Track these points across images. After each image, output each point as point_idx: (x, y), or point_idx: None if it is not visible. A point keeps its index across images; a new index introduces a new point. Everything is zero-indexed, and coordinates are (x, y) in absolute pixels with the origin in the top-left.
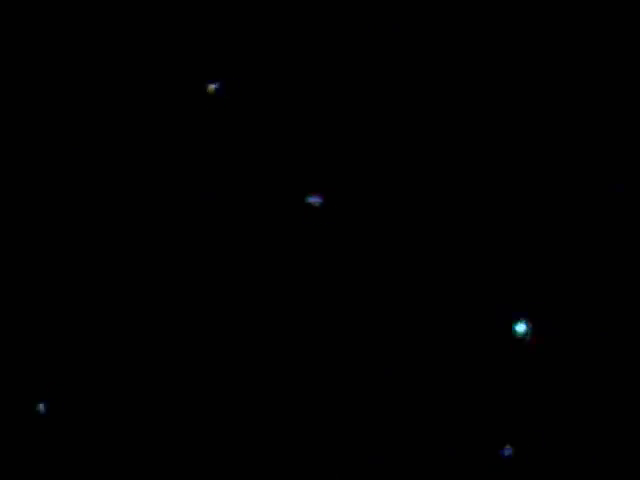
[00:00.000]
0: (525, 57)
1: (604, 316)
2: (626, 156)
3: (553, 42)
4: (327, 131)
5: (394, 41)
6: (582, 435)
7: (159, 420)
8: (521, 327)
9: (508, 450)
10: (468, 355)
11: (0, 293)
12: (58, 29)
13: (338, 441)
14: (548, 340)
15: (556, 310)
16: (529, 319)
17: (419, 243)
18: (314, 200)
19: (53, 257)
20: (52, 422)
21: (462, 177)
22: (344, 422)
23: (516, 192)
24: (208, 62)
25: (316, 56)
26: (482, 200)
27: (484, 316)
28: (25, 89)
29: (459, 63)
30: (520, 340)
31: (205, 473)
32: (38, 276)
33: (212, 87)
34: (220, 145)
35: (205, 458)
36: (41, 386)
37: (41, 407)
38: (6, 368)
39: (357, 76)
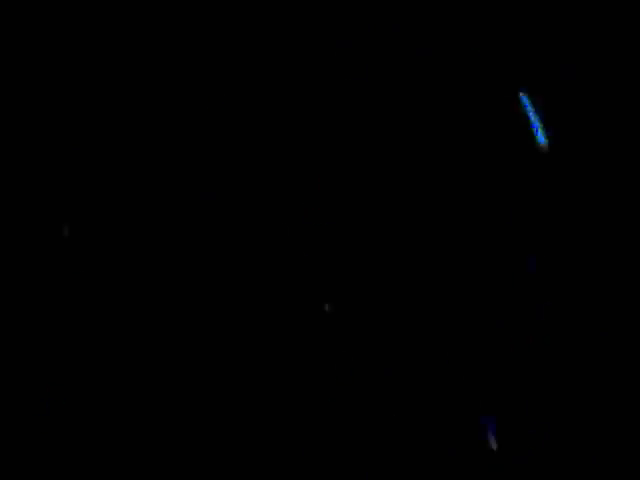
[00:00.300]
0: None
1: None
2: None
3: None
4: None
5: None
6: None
7: (158, 418)
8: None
9: None
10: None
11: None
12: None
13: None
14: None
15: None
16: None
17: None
18: None
19: (52, 256)
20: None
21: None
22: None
23: None
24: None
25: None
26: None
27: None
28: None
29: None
30: None
31: (205, 471)
32: (37, 275)
33: None
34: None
35: (205, 456)
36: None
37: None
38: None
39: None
